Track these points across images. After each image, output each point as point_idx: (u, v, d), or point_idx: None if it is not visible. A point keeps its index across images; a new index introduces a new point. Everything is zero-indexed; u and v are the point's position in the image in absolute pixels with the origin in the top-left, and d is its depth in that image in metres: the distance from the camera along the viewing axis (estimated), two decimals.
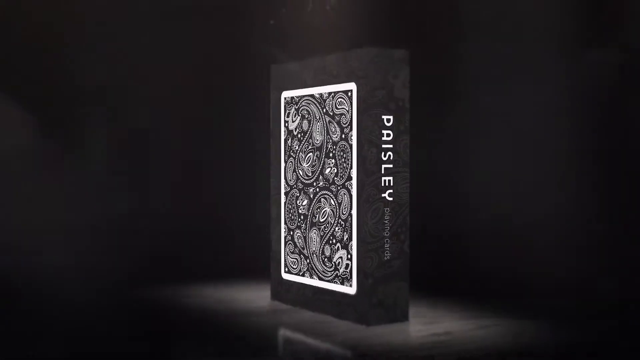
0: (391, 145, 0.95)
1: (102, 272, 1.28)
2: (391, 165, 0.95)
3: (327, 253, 1.00)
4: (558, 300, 1.05)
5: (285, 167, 1.08)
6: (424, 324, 0.95)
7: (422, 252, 1.02)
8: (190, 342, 0.89)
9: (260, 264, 1.19)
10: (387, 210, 0.95)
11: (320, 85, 1.01)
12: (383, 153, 0.95)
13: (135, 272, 1.27)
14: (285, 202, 1.08)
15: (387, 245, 0.95)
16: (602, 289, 1.07)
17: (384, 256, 0.95)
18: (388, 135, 0.95)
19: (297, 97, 1.05)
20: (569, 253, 1.15)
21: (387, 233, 0.95)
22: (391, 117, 0.95)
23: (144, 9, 1.34)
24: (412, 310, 0.97)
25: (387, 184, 0.95)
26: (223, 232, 1.36)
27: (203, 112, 1.38)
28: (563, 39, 1.18)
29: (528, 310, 1.00)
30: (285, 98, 1.07)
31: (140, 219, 1.35)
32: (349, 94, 0.97)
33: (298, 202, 1.05)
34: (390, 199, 0.95)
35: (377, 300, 0.95)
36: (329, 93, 1.00)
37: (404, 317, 0.96)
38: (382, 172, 0.95)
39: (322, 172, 1.01)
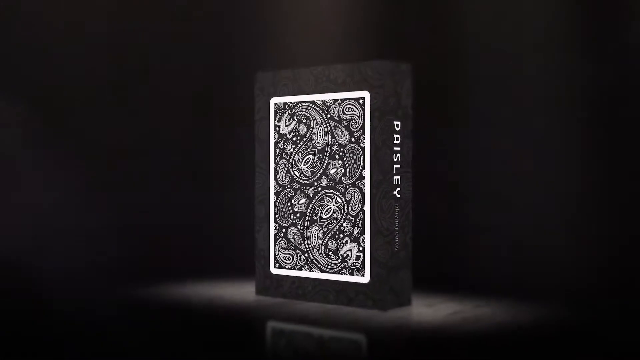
0: (399, 148, 1.06)
1: (95, 271, 1.27)
2: (399, 166, 1.06)
3: (332, 247, 1.09)
4: (548, 288, 1.18)
5: (276, 169, 1.15)
6: (426, 307, 1.07)
7: (417, 245, 1.13)
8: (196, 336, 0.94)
9: (241, 262, 1.24)
10: (396, 206, 1.06)
11: (323, 93, 1.10)
12: (394, 155, 1.06)
13: (127, 271, 1.28)
14: (275, 202, 1.15)
15: (397, 238, 1.06)
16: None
17: (395, 247, 1.06)
18: (397, 139, 1.06)
19: (291, 103, 1.13)
20: (565, 248, 1.29)
21: (397, 226, 1.06)
22: (399, 123, 1.06)
23: (140, 11, 1.34)
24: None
25: (396, 183, 1.06)
26: (210, 232, 1.39)
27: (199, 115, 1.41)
28: (562, 40, 1.30)
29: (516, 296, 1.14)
30: (275, 104, 1.15)
31: (133, 218, 1.35)
32: (361, 101, 1.06)
33: (293, 201, 1.13)
34: (399, 196, 1.06)
35: (389, 287, 1.05)
36: (334, 100, 1.09)
37: (408, 302, 1.08)
38: (394, 172, 1.06)
39: (325, 173, 1.10)
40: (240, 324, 1.01)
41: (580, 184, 1.33)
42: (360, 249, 1.07)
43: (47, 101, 1.31)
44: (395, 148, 1.06)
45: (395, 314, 1.03)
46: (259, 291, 1.16)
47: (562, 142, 1.31)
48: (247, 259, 1.22)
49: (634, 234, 1.27)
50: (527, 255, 1.31)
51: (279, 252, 1.15)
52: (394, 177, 1.06)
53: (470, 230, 1.34)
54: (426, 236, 1.17)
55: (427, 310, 1.05)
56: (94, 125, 1.35)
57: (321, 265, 1.10)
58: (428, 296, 1.13)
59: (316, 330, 0.98)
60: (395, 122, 1.06)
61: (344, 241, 1.08)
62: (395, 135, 1.06)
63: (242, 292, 1.18)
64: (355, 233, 1.07)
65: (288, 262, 1.14)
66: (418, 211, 1.12)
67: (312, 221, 1.11)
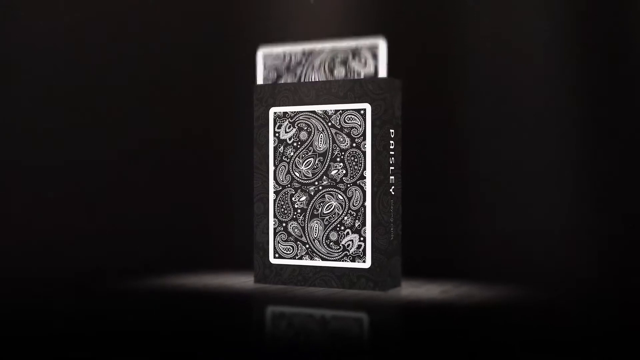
0: (393, 152, 1.25)
1: (97, 266, 1.34)
2: (393, 168, 1.25)
3: (334, 238, 1.25)
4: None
5: (275, 170, 1.29)
6: (415, 287, 1.26)
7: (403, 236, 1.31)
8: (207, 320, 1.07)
9: (240, 259, 1.37)
10: (392, 202, 1.24)
11: (325, 104, 1.26)
12: (390, 158, 1.24)
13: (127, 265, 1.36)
14: (275, 200, 1.29)
15: (392, 229, 1.24)
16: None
17: (390, 237, 1.24)
18: (392, 144, 1.24)
19: (291, 112, 1.28)
20: (546, 238, 1.44)
21: (392, 219, 1.24)
22: (393, 131, 1.25)
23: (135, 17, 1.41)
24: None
25: (391, 182, 1.24)
26: (208, 231, 1.49)
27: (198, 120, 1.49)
28: (561, 44, 1.39)
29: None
30: (275, 113, 1.29)
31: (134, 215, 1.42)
32: (362, 112, 1.24)
33: (293, 198, 1.28)
34: (393, 193, 1.25)
35: (389, 271, 1.23)
36: (335, 110, 1.25)
37: (399, 284, 1.26)
38: (390, 172, 1.24)
39: (326, 173, 1.26)
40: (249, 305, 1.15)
41: (574, 181, 1.42)
42: (362, 238, 1.24)
43: (47, 101, 1.37)
44: (391, 152, 1.24)
45: (397, 294, 1.21)
46: (258, 280, 1.30)
47: (555, 138, 1.42)
48: (245, 256, 1.35)
49: (629, 233, 1.39)
50: (511, 245, 1.47)
51: (279, 244, 1.29)
52: (391, 177, 1.24)
53: (453, 223, 1.52)
54: (412, 228, 1.35)
55: (420, 289, 1.24)
56: (91, 124, 1.42)
57: (322, 254, 1.26)
58: (410, 278, 1.32)
59: (346, 312, 1.14)
60: (391, 130, 1.24)
61: (345, 232, 1.25)
62: (391, 142, 1.24)
63: (241, 281, 1.32)
64: (356, 225, 1.24)
65: (288, 252, 1.28)
66: (406, 207, 1.30)
67: (313, 216, 1.27)
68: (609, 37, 1.41)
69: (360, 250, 1.24)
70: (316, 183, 1.27)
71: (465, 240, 1.49)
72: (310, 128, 1.27)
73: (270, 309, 1.16)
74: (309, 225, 1.27)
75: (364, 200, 1.24)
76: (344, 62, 1.20)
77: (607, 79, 1.41)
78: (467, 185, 1.51)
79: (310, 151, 1.27)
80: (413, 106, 1.34)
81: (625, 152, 1.41)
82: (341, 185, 1.25)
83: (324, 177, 1.26)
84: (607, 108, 1.40)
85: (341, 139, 1.25)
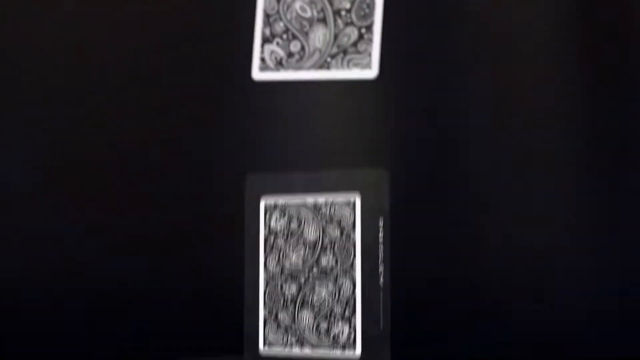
0: (382, 241, 1.27)
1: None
2: (382, 256, 1.27)
3: (324, 327, 1.27)
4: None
5: (265, 261, 1.31)
6: None
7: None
8: None
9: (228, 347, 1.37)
10: (382, 292, 1.26)
11: (315, 194, 1.29)
12: (379, 247, 1.26)
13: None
14: (265, 290, 1.30)
15: (381, 317, 1.26)
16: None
17: (380, 326, 1.25)
18: (381, 234, 1.27)
19: (282, 203, 1.31)
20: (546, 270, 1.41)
21: (381, 309, 1.26)
22: (382, 221, 1.27)
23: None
24: None
25: (380, 271, 1.26)
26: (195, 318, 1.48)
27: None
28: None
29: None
30: (266, 203, 1.32)
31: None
32: (351, 202, 1.27)
33: (284, 289, 1.30)
34: (382, 280, 1.27)
35: (379, 358, 1.24)
36: (324, 201, 1.28)
37: None
38: (380, 261, 1.26)
39: (316, 263, 1.28)
40: None
41: (570, 192, 1.39)
42: (352, 327, 1.25)
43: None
44: (380, 242, 1.27)
45: None
46: None
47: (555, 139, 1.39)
48: (233, 345, 1.36)
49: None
50: (511, 245, 1.40)
51: (269, 334, 1.30)
52: (380, 267, 1.26)
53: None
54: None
55: None
56: (94, 126, 1.43)
57: (312, 343, 1.27)
58: None
59: None
60: (380, 220, 1.27)
61: (335, 321, 1.26)
62: (380, 232, 1.27)
63: None
64: (346, 314, 1.26)
65: (278, 342, 1.29)
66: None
67: (303, 305, 1.28)
68: (609, 36, 1.40)
69: (351, 339, 1.25)
70: (307, 272, 1.29)
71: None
72: (301, 218, 1.29)
73: None
74: (299, 314, 1.28)
75: (354, 289, 1.26)
76: None
77: (607, 79, 1.42)
78: (467, 186, 1.47)
79: (300, 241, 1.29)
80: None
81: (625, 153, 1.40)
82: (331, 275, 1.27)
83: (314, 267, 1.28)
84: (607, 108, 1.40)
85: (331, 230, 1.28)
